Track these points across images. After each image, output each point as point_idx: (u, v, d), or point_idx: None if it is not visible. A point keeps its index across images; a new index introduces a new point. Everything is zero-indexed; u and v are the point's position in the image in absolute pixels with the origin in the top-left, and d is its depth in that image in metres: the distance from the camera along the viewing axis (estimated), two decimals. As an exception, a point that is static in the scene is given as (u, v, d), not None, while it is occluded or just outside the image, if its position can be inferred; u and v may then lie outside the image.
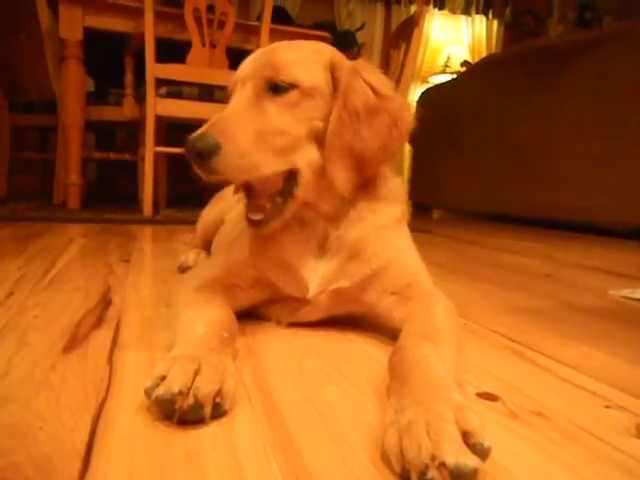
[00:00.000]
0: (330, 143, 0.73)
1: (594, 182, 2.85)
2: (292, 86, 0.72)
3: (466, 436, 0.42)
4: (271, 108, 0.72)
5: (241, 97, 0.73)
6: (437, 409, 0.44)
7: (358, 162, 0.74)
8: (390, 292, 0.80)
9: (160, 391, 0.49)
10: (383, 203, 0.82)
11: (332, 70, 0.75)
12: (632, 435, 0.53)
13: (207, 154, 0.65)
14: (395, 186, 0.86)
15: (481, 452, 0.41)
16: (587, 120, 2.90)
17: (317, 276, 0.79)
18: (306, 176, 0.75)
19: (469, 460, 0.40)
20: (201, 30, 2.53)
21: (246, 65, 0.77)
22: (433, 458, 0.39)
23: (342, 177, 0.73)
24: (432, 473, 0.39)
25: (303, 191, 0.75)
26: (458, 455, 0.40)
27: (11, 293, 0.98)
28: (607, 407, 0.60)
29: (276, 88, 0.72)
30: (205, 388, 0.50)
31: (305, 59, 0.75)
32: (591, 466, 0.46)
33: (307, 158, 0.74)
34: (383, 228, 0.81)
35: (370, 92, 0.74)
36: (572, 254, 2.12)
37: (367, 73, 0.76)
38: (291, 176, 0.74)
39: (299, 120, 0.73)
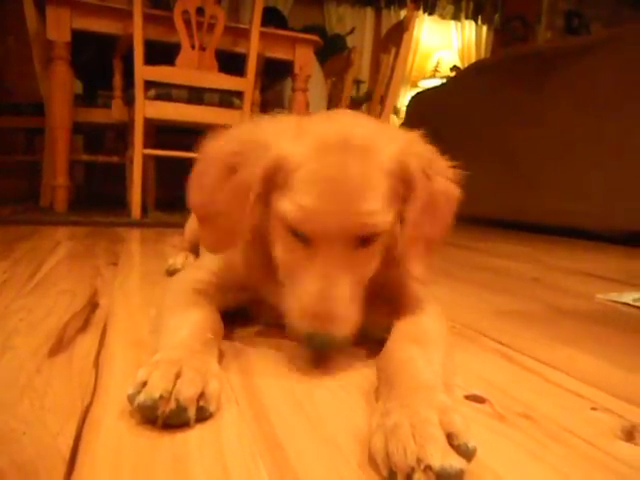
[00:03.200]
0: (407, 244, 0.72)
1: (582, 187, 2.88)
2: (378, 234, 0.69)
3: (451, 438, 0.42)
4: (360, 262, 0.69)
5: (332, 263, 0.66)
6: (422, 412, 0.45)
7: (427, 246, 0.75)
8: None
9: (141, 397, 0.49)
10: None
11: (400, 176, 0.68)
12: (618, 437, 0.53)
13: (333, 349, 0.68)
14: None
15: (466, 453, 0.42)
16: (575, 126, 2.93)
17: None
18: None
19: (454, 462, 0.40)
20: (190, 33, 2.52)
21: (329, 220, 0.65)
22: (419, 461, 0.40)
23: (417, 267, 0.73)
24: (418, 476, 0.39)
25: None
26: (444, 457, 0.40)
27: (-4, 296, 0.97)
28: (594, 409, 0.60)
29: (365, 240, 0.68)
30: (187, 391, 0.50)
31: (385, 194, 0.67)
32: (577, 468, 0.47)
33: None
34: None
35: (426, 179, 0.71)
36: (560, 258, 2.13)
37: (438, 176, 0.73)
38: None
39: (379, 257, 0.72)
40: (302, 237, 0.67)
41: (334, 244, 0.65)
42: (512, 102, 3.37)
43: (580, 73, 2.92)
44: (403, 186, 0.69)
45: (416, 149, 0.72)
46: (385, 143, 0.70)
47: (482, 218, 3.88)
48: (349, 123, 0.72)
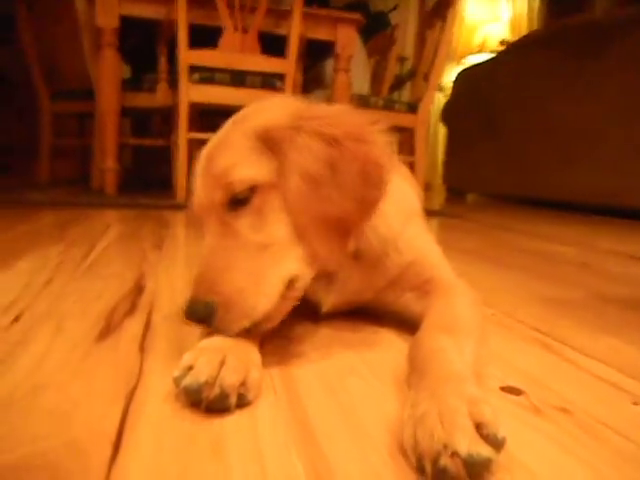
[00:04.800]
0: (296, 222, 0.63)
1: (635, 165, 2.75)
2: (252, 190, 0.63)
3: (479, 427, 0.42)
4: (243, 226, 0.63)
5: (211, 234, 0.64)
6: (451, 401, 0.45)
7: (338, 227, 0.64)
8: (408, 289, 0.80)
9: (187, 381, 0.51)
10: (388, 206, 0.72)
11: (267, 140, 0.64)
12: (658, 434, 0.52)
13: (207, 321, 0.59)
14: (397, 180, 0.76)
15: (495, 443, 0.42)
16: (631, 102, 2.79)
17: (329, 300, 0.79)
18: (304, 276, 0.66)
19: (482, 450, 0.40)
20: (233, 15, 2.53)
21: (199, 193, 0.67)
22: (445, 447, 0.40)
23: (324, 252, 0.63)
24: (445, 460, 0.40)
25: (303, 288, 0.67)
26: (471, 444, 0.40)
27: (50, 280, 1.02)
28: (635, 404, 0.59)
29: (237, 202, 0.63)
30: (230, 378, 0.52)
31: (243, 152, 0.64)
32: (612, 465, 0.46)
33: (299, 259, 0.64)
34: (395, 233, 0.77)
35: (322, 144, 0.62)
36: (610, 241, 2.06)
37: (311, 122, 0.63)
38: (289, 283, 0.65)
39: (276, 221, 0.63)
40: (199, 219, 0.69)
41: (211, 214, 0.65)
42: (565, 77, 3.23)
43: None
44: (273, 149, 0.64)
45: (298, 113, 0.65)
46: (267, 112, 0.68)
47: (530, 198, 3.77)
48: (260, 103, 0.74)
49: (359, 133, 0.65)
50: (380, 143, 0.66)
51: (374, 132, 0.66)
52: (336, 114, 0.66)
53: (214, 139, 0.70)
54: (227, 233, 0.63)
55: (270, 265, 0.62)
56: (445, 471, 0.40)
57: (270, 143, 0.63)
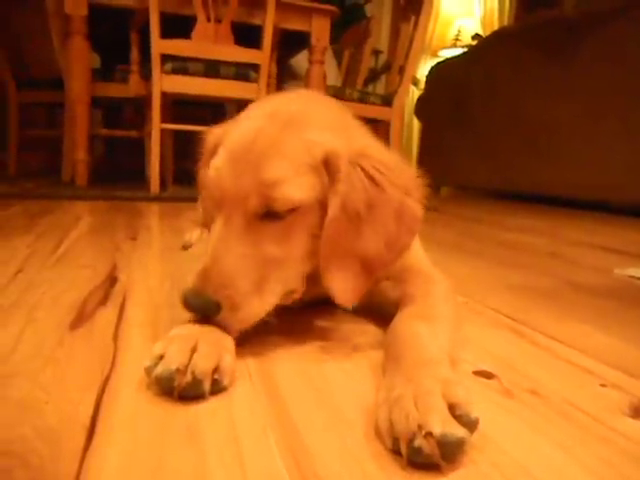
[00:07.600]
0: (327, 252, 0.63)
1: (605, 160, 2.82)
2: (290, 211, 0.62)
3: (453, 408, 0.44)
4: (267, 238, 0.62)
5: (230, 229, 0.62)
6: (425, 384, 0.46)
7: (364, 266, 0.65)
8: (385, 278, 0.80)
9: (159, 370, 0.51)
10: None
11: (327, 165, 0.63)
12: (625, 414, 0.54)
13: (207, 314, 0.59)
14: None
15: (468, 423, 0.43)
16: (601, 97, 2.85)
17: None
18: (299, 291, 0.68)
19: (456, 430, 0.41)
20: (206, 4, 2.49)
21: (230, 183, 0.62)
22: (420, 427, 0.41)
23: (344, 288, 0.64)
24: (419, 441, 0.41)
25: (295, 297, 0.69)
26: (445, 425, 0.41)
27: (20, 270, 1.00)
28: (602, 386, 0.61)
29: (271, 215, 0.62)
30: (202, 365, 0.52)
31: (298, 168, 0.61)
32: (582, 444, 0.47)
33: (302, 275, 0.67)
34: None
35: (370, 184, 0.64)
36: (579, 233, 2.11)
37: (367, 161, 0.64)
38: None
39: (299, 241, 0.64)
40: (216, 203, 0.65)
41: (235, 210, 0.62)
42: (536, 72, 3.28)
43: (609, 41, 2.81)
44: (327, 174, 0.63)
45: (360, 149, 0.65)
46: (323, 127, 0.65)
47: (503, 191, 3.83)
48: (303, 102, 0.71)
49: (404, 184, 0.66)
50: (419, 197, 0.68)
51: (418, 186, 0.68)
52: (390, 163, 0.67)
53: (256, 132, 0.63)
54: (248, 238, 0.62)
55: (279, 279, 0.64)
56: (420, 451, 0.40)
57: (329, 168, 0.63)
